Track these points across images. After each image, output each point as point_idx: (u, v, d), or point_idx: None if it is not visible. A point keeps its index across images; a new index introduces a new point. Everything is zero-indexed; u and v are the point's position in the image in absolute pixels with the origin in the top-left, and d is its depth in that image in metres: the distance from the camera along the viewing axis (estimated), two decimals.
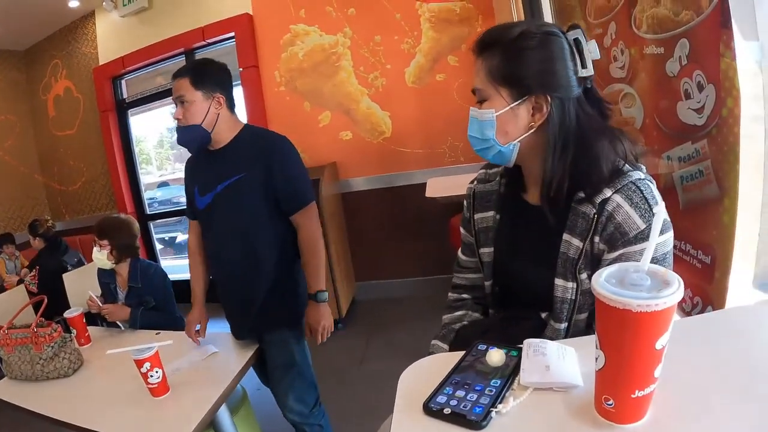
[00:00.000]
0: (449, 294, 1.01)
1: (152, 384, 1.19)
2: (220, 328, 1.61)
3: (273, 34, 3.18)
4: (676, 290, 0.43)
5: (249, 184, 1.32)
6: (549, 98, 0.72)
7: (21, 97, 4.47)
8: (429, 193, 2.48)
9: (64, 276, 3.01)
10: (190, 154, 1.45)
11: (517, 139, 0.75)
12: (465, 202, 0.93)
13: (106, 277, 1.95)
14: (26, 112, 4.51)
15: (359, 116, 3.05)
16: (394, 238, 3.26)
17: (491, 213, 0.88)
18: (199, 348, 1.45)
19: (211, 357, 1.40)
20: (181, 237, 4.99)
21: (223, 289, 1.47)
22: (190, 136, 1.30)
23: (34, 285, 3.22)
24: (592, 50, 0.72)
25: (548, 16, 1.93)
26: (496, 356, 0.58)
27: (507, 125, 0.74)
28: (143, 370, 1.18)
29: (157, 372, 1.19)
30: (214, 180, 1.35)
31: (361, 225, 3.30)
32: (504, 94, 0.73)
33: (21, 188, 4.46)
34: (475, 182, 0.93)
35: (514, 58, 0.72)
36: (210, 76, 1.32)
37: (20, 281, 3.36)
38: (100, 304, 1.75)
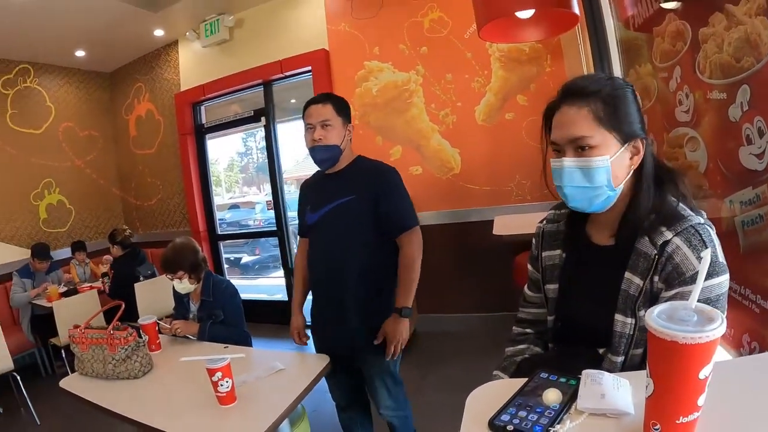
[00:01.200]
0: (513, 328, 1.25)
1: (221, 393, 1.46)
2: (287, 348, 2.13)
3: (348, 69, 3.91)
4: (718, 326, 0.56)
5: (357, 205, 1.76)
6: (643, 141, 0.93)
7: (105, 116, 5.61)
8: (497, 230, 2.92)
9: (136, 285, 3.83)
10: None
11: (622, 183, 0.93)
12: (534, 240, 1.17)
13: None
14: (109, 130, 5.65)
15: (429, 152, 3.65)
16: (459, 273, 3.75)
17: (558, 251, 1.09)
18: (266, 364, 1.74)
19: (276, 373, 1.68)
20: (247, 258, 6.10)
21: (319, 300, 1.92)
22: (329, 154, 1.75)
23: (106, 289, 4.08)
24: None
25: (615, 58, 2.33)
26: (552, 395, 0.75)
27: (617, 170, 0.91)
28: (214, 378, 1.45)
29: (227, 382, 1.46)
30: (326, 199, 1.82)
31: (426, 258, 3.78)
32: (615, 139, 0.91)
33: (99, 200, 5.55)
34: (545, 222, 1.16)
35: (617, 104, 0.91)
36: (346, 108, 1.83)
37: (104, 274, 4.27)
38: (169, 326, 2.19)
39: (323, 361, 1.73)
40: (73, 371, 2.03)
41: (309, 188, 1.99)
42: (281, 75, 4.22)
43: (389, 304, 1.83)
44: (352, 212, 1.79)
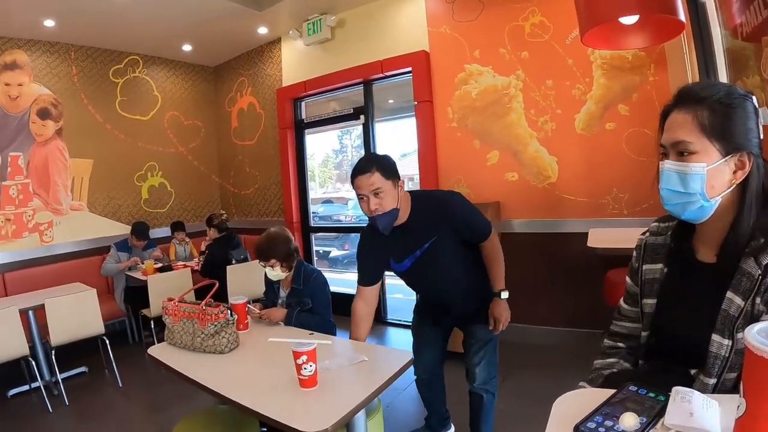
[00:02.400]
0: (605, 340, 1.40)
1: (304, 376, 1.74)
2: (370, 341, 2.46)
3: (448, 71, 4.45)
4: None
5: (442, 242, 2.20)
6: (751, 156, 1.03)
7: (208, 107, 6.71)
8: (591, 242, 3.23)
9: (229, 268, 4.63)
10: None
11: (720, 195, 1.05)
12: (635, 253, 1.30)
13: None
14: (211, 121, 6.75)
15: (526, 159, 4.11)
16: (546, 284, 4.12)
17: (659, 266, 1.22)
18: (349, 354, 2.05)
19: (359, 364, 1.94)
20: (336, 252, 7.05)
21: (437, 309, 2.52)
22: (389, 218, 2.13)
23: (199, 268, 4.95)
24: (764, 116, 1.07)
25: (722, 69, 2.55)
26: (630, 420, 0.86)
27: (715, 180, 1.03)
28: (299, 361, 1.72)
29: (311, 366, 1.73)
30: (410, 248, 2.25)
31: (515, 266, 3.84)
32: (716, 149, 1.03)
33: (199, 185, 6.68)
34: (647, 234, 1.29)
35: (727, 114, 1.02)
36: (392, 167, 2.14)
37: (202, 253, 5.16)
38: (258, 311, 2.66)
39: (406, 356, 2.00)
40: (160, 341, 2.45)
41: (379, 242, 2.31)
42: (381, 75, 4.86)
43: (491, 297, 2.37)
44: (440, 248, 2.23)
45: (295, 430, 1.52)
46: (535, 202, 4.20)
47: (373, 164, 2.12)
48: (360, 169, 2.13)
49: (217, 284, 2.47)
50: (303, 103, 5.80)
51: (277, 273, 2.72)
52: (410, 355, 2.04)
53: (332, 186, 7.04)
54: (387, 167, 2.14)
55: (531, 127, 4.17)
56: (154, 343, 2.58)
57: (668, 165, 1.09)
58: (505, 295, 2.34)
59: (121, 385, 4.12)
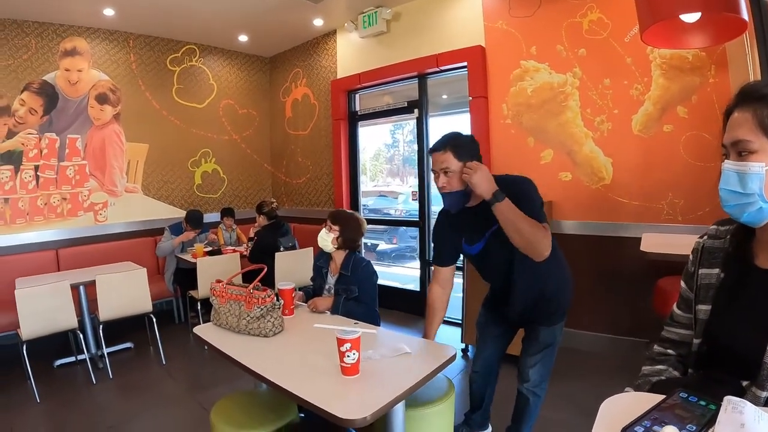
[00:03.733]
0: (654, 346, 1.40)
1: (346, 364, 1.83)
2: (416, 335, 2.55)
3: (504, 67, 4.57)
4: None
5: None
6: None
7: (263, 97, 7.07)
8: (645, 246, 3.26)
9: (277, 255, 4.89)
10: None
11: None
12: (691, 256, 1.31)
13: (321, 261, 3.04)
14: (266, 110, 7.11)
15: (581, 158, 4.17)
16: (593, 289, 4.15)
17: (716, 270, 1.22)
18: (393, 345, 2.12)
19: (402, 356, 2.03)
20: (384, 246, 7.36)
21: (501, 301, 2.53)
22: (453, 199, 2.27)
23: (248, 253, 5.25)
24: None
25: None
26: None
27: None
28: (343, 348, 1.81)
29: (354, 354, 1.82)
30: (480, 230, 2.33)
31: None
32: None
33: (251, 173, 7.08)
34: (705, 237, 1.28)
35: None
36: (467, 148, 2.23)
37: (251, 239, 5.46)
38: (303, 303, 2.83)
39: (449, 352, 2.07)
40: (206, 322, 2.60)
41: (454, 223, 2.46)
42: (437, 69, 5.02)
43: (556, 299, 2.47)
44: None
45: (333, 417, 1.59)
46: (587, 204, 4.28)
47: (447, 144, 2.26)
48: (435, 147, 2.29)
49: (266, 268, 2.60)
50: (357, 96, 6.06)
51: (327, 241, 2.89)
52: (454, 351, 2.11)
53: (383, 180, 7.34)
54: (461, 148, 2.25)
55: (587, 127, 4.24)
56: (199, 324, 2.77)
57: (727, 165, 1.10)
58: (498, 195, 2.16)
59: (164, 363, 4.49)
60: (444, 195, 2.32)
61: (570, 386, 3.55)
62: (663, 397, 1.01)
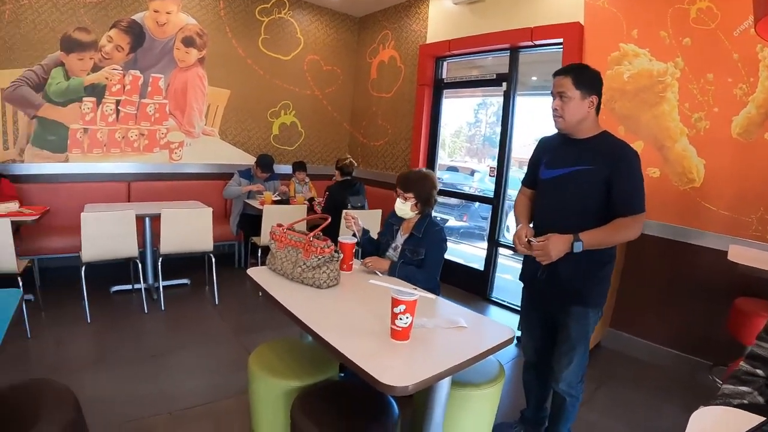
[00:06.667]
0: (741, 363, 1.34)
1: (398, 327, 1.86)
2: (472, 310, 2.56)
3: (601, 48, 4.58)
4: None
5: (593, 176, 2.35)
6: None
7: (349, 56, 7.42)
8: (732, 256, 3.35)
9: (344, 212, 4.95)
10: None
11: None
12: None
13: (394, 219, 3.15)
14: (350, 69, 7.46)
15: (672, 156, 4.17)
16: (663, 297, 4.23)
17: None
18: (449, 317, 2.17)
19: (456, 329, 2.07)
20: (453, 222, 7.65)
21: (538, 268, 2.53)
22: (562, 124, 2.44)
23: (320, 206, 5.66)
24: None
25: None
26: None
27: None
28: (396, 310, 1.84)
29: (407, 318, 1.84)
30: (565, 162, 2.46)
31: (635, 270, 4.40)
32: None
33: (330, 130, 7.53)
34: None
35: None
36: (589, 80, 2.37)
37: (311, 199, 5.90)
38: (358, 228, 3.01)
39: (507, 333, 2.08)
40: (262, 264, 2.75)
41: (548, 145, 2.66)
42: (530, 43, 5.10)
43: (599, 274, 2.52)
44: (584, 182, 2.41)
45: (373, 380, 1.62)
46: (672, 205, 4.30)
47: (571, 70, 2.41)
48: (559, 70, 2.45)
49: (330, 219, 2.73)
50: (445, 63, 6.25)
51: (406, 209, 3.02)
52: (512, 333, 2.12)
53: (460, 157, 7.65)
54: (583, 78, 2.39)
55: (683, 122, 4.21)
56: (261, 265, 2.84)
57: None
58: (578, 246, 2.35)
59: (216, 303, 4.97)
60: (554, 118, 2.49)
61: (624, 393, 3.68)
62: (762, 420, 1.00)
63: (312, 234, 2.56)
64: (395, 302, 1.86)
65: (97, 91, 5.97)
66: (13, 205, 4.59)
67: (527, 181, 2.84)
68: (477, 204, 7.64)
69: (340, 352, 1.79)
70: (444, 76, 6.28)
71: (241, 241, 6.30)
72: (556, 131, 2.60)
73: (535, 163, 2.75)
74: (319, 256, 2.48)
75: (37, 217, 4.46)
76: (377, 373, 1.63)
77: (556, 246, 2.35)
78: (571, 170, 2.48)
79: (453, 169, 7.55)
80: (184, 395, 3.33)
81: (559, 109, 2.43)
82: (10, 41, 5.36)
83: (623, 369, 4.10)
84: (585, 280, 2.51)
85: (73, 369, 3.54)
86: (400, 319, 1.87)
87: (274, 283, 2.55)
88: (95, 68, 5.89)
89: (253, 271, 2.73)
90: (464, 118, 6.74)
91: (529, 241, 2.45)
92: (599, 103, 2.46)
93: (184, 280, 5.47)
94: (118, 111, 6.12)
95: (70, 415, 1.90)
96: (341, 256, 2.63)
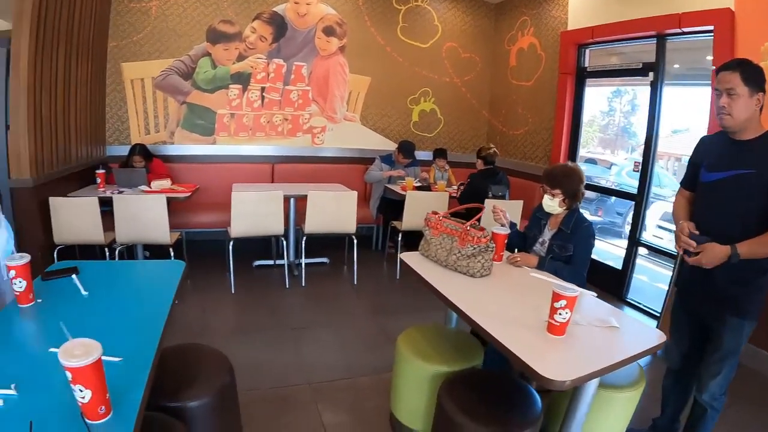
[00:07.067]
0: None
1: (556, 321, 1.90)
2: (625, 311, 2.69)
3: (754, 38, 4.30)
4: None
5: (756, 180, 2.27)
6: None
7: (486, 43, 7.47)
8: None
9: (487, 201, 5.24)
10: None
11: None
12: None
13: (541, 213, 3.15)
14: (488, 57, 7.50)
15: None
16: None
17: None
18: (600, 315, 2.19)
19: (609, 329, 2.08)
20: (587, 216, 7.80)
21: (696, 274, 2.47)
22: (730, 122, 2.32)
23: (458, 193, 5.76)
24: None
25: None
26: None
27: None
28: (557, 305, 1.88)
29: (566, 313, 1.88)
30: (726, 164, 2.38)
31: None
32: None
33: (467, 118, 7.65)
34: None
35: None
36: (756, 75, 2.26)
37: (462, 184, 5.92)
38: (507, 221, 3.08)
39: (658, 338, 2.07)
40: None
41: (710, 146, 2.58)
42: (678, 30, 4.90)
43: (760, 282, 2.44)
44: (747, 187, 2.33)
45: (533, 372, 1.68)
46: None
47: (738, 65, 2.31)
48: (724, 65, 2.35)
49: (484, 209, 2.83)
50: (587, 51, 6.16)
51: (554, 206, 3.02)
52: (662, 338, 2.11)
53: (593, 148, 7.54)
54: (751, 74, 2.30)
55: None
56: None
57: None
58: (735, 258, 2.31)
59: (355, 283, 5.31)
60: (721, 117, 2.39)
61: (760, 418, 3.50)
62: None
63: (469, 223, 2.65)
64: (556, 297, 1.90)
65: (242, 79, 6.62)
66: (166, 183, 5.25)
67: (686, 183, 2.77)
68: (613, 199, 7.51)
69: (500, 341, 1.88)
70: (586, 65, 6.20)
71: (380, 225, 6.64)
72: (712, 130, 2.54)
73: (695, 164, 2.69)
74: (475, 246, 2.56)
75: (189, 194, 5.06)
76: (537, 365, 1.70)
77: (711, 260, 2.35)
78: (733, 174, 2.41)
79: (591, 161, 7.47)
80: (322, 369, 3.63)
81: (727, 106, 2.33)
82: (158, 34, 6.12)
83: (760, 390, 3.85)
84: (743, 288, 2.45)
85: (218, 335, 3.96)
86: (560, 314, 1.91)
87: (428, 269, 2.70)
88: (240, 57, 6.55)
89: (406, 256, 2.89)
90: (597, 106, 6.65)
91: (692, 237, 2.41)
92: (763, 102, 2.36)
93: (323, 259, 5.92)
94: (263, 97, 6.75)
95: (226, 379, 2.19)
96: (494, 246, 2.71)
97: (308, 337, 4.10)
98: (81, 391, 1.20)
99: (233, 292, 4.90)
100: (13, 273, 1.91)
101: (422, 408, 2.58)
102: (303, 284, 5.21)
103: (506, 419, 2.09)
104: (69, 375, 1.19)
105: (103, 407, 1.24)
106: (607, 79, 6.09)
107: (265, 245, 5.86)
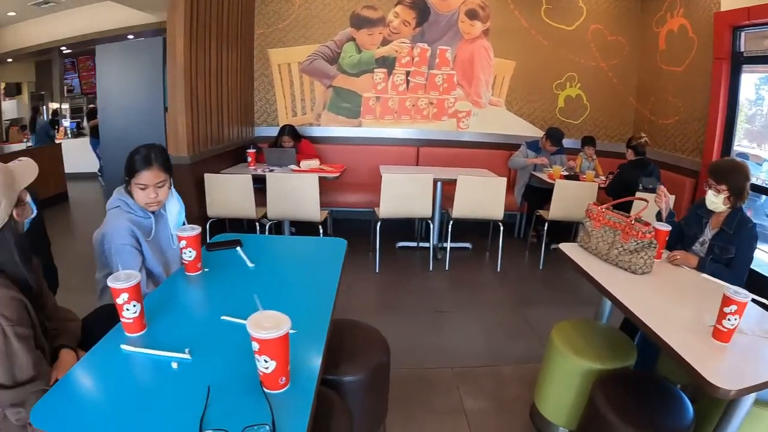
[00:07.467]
0: None
1: (724, 327, 1.87)
2: None
3: None
4: None
5: None
6: None
7: (632, 25, 7.13)
8: None
9: (637, 194, 4.90)
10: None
11: None
12: None
13: (702, 210, 3.04)
14: (635, 39, 7.15)
15: None
16: None
17: None
18: (764, 325, 2.09)
19: None
20: None
21: None
22: None
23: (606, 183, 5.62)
24: None
25: None
26: None
27: None
28: (727, 310, 1.83)
29: (735, 319, 1.83)
30: None
31: None
32: None
33: (614, 104, 7.36)
34: None
35: None
36: None
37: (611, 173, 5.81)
38: (667, 206, 3.03)
39: None
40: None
41: None
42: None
43: None
44: None
45: (700, 377, 1.68)
46: None
47: None
48: None
49: (648, 203, 2.82)
50: (743, 34, 5.76)
51: (718, 203, 2.90)
52: None
53: (738, 140, 6.88)
54: None
55: None
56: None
57: None
58: None
59: (498, 270, 5.43)
60: None
61: None
62: None
63: (633, 217, 2.63)
64: (727, 301, 1.84)
65: (387, 63, 6.93)
66: (314, 163, 5.63)
67: None
68: (763, 198, 6.88)
69: (667, 343, 1.87)
70: (742, 49, 5.75)
71: (524, 213, 6.67)
72: None
73: None
74: (639, 241, 2.54)
75: (338, 174, 5.41)
76: (705, 371, 1.69)
77: None
78: None
79: (743, 155, 6.91)
80: (465, 354, 3.76)
81: None
82: (302, 21, 6.56)
83: None
84: None
85: (362, 312, 4.13)
86: (728, 319, 1.86)
87: (587, 262, 2.72)
88: (384, 42, 6.86)
89: (565, 247, 2.94)
90: (743, 94, 6.12)
91: None
92: None
93: (466, 244, 6.08)
94: (407, 81, 7.02)
95: (383, 358, 2.34)
96: (656, 242, 2.66)
97: (451, 320, 4.25)
98: (266, 362, 1.27)
99: (377, 271, 5.21)
100: (183, 243, 2.09)
101: (568, 404, 2.62)
102: (446, 268, 5.42)
103: (658, 424, 2.11)
104: (256, 345, 1.26)
105: (284, 378, 1.32)
106: (758, 66, 5.67)
107: (405, 227, 6.12)
